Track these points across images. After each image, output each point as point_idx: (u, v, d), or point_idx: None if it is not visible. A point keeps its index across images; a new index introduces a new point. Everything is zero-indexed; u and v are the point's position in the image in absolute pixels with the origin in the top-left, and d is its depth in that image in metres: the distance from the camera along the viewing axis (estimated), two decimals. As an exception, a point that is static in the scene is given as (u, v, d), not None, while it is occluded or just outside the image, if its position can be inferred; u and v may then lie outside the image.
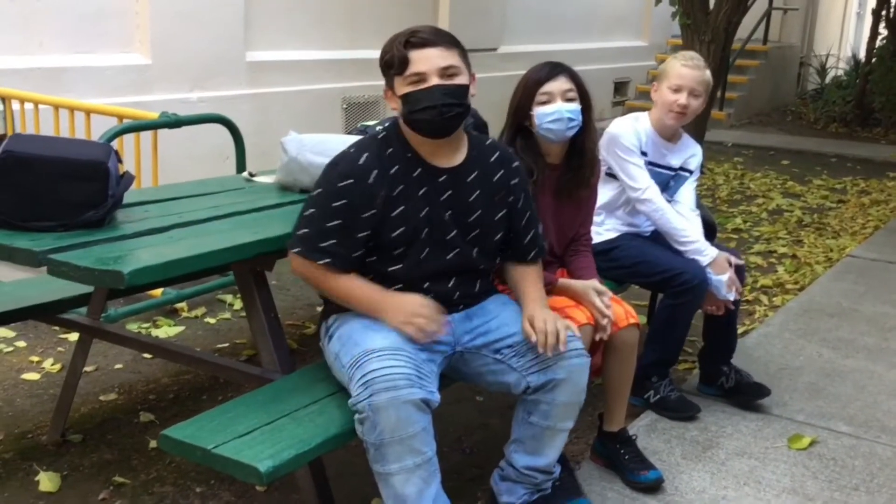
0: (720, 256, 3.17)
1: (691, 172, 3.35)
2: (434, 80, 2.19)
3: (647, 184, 3.19)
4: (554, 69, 2.70)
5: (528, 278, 2.47)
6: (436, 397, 2.12)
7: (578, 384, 2.35)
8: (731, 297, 3.17)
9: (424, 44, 2.20)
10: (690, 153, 3.35)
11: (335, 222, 2.21)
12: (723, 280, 3.13)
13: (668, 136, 3.27)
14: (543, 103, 2.66)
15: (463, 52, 2.27)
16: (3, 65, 4.62)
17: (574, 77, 2.71)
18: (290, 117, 6.00)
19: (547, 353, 2.27)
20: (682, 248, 3.19)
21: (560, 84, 2.67)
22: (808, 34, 14.39)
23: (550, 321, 2.29)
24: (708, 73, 3.19)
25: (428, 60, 2.19)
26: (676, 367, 3.66)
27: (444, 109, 2.19)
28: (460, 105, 2.23)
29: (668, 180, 3.30)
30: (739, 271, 3.24)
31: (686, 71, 3.14)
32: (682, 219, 3.23)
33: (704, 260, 3.15)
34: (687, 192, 3.34)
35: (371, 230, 2.24)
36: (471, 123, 2.44)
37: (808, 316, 4.43)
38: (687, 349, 3.84)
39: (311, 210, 2.24)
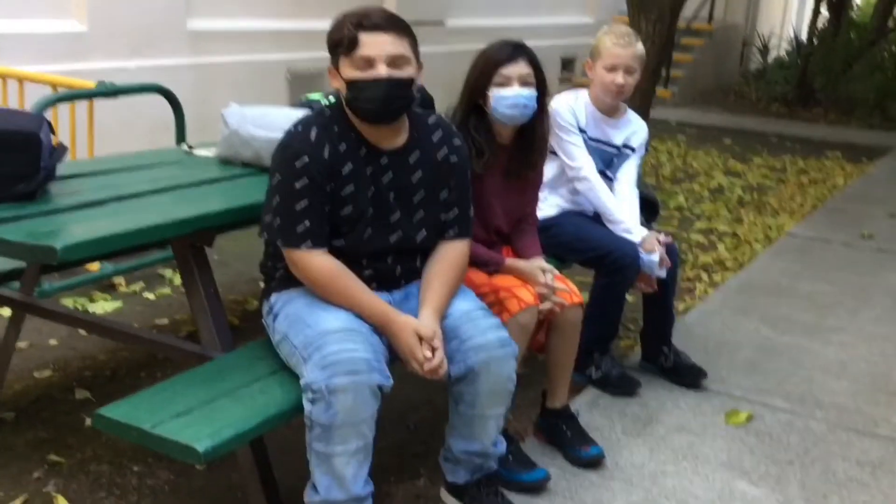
0: (649, 235, 3.21)
1: (634, 150, 3.36)
2: (381, 68, 2.15)
3: (583, 162, 3.20)
4: (515, 51, 2.66)
5: (439, 263, 2.37)
6: (390, 382, 2.12)
7: (501, 374, 2.31)
8: (662, 274, 3.20)
9: (376, 28, 2.16)
10: (633, 129, 3.36)
11: (303, 203, 2.17)
12: (654, 259, 3.16)
13: (609, 112, 3.28)
14: (501, 85, 2.63)
15: (414, 42, 2.23)
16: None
17: (533, 61, 2.68)
18: (232, 88, 5.88)
19: (427, 375, 2.22)
20: (612, 227, 3.23)
21: (519, 68, 2.64)
22: (752, 14, 14.59)
23: (424, 348, 2.19)
24: (640, 46, 3.20)
25: (378, 46, 2.15)
26: (619, 343, 3.70)
27: (388, 102, 2.17)
28: (405, 98, 2.20)
29: (611, 157, 3.32)
30: (670, 250, 3.27)
31: (619, 50, 3.14)
32: (613, 198, 3.25)
33: (634, 238, 3.18)
34: (627, 169, 3.35)
35: (329, 204, 2.21)
36: (417, 99, 2.40)
37: (747, 293, 4.51)
38: (629, 326, 3.88)
39: (276, 197, 2.20)
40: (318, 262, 2.21)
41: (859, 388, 3.47)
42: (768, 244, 5.49)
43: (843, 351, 3.84)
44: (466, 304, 2.37)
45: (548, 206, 3.30)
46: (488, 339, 2.28)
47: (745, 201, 6.63)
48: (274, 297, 2.34)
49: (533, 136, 2.74)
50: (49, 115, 3.46)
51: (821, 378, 3.55)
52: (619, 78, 3.14)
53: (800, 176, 7.67)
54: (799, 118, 11.05)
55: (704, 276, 4.83)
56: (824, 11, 11.94)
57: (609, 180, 3.31)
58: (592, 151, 3.25)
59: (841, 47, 11.55)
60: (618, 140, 3.32)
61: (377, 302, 2.23)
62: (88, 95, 3.79)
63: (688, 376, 3.38)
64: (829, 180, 7.55)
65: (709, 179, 7.27)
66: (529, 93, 2.64)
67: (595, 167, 3.23)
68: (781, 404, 3.29)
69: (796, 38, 13.91)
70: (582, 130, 3.23)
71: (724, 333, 3.95)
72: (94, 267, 3.96)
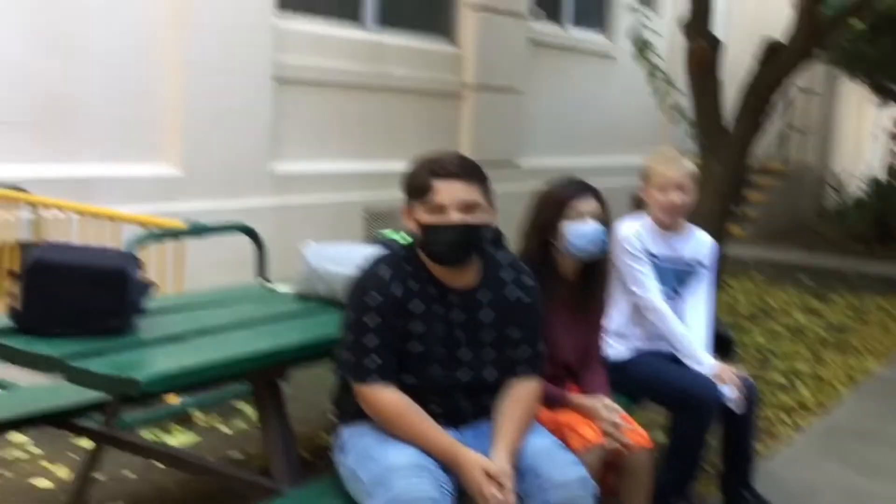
0: (721, 366, 3.15)
1: (706, 266, 3.35)
2: (454, 214, 2.23)
3: (652, 291, 3.20)
4: (584, 188, 2.78)
5: (510, 401, 2.37)
6: None
7: None
8: (735, 408, 3.11)
9: (449, 175, 2.25)
10: (699, 241, 3.37)
11: (374, 340, 2.23)
12: (725, 391, 3.09)
13: (671, 229, 3.30)
14: (574, 219, 2.71)
15: (486, 187, 2.32)
16: (36, 173, 4.76)
17: (600, 198, 2.78)
18: (311, 226, 6.09)
19: None
20: (681, 356, 3.19)
21: (591, 204, 2.74)
22: (826, 154, 14.59)
23: (492, 486, 2.15)
24: (689, 164, 3.25)
25: (450, 194, 2.24)
26: (699, 487, 3.57)
27: (459, 247, 2.25)
28: (476, 243, 2.28)
29: (684, 275, 3.31)
30: (748, 388, 3.18)
31: (668, 172, 3.20)
32: (683, 327, 3.23)
33: (703, 370, 3.13)
34: (698, 293, 3.33)
35: (400, 341, 2.26)
36: (486, 236, 2.48)
37: (832, 437, 4.33)
38: (707, 468, 3.75)
39: (349, 333, 2.27)
40: (387, 397, 2.23)
41: (957, 541, 3.26)
42: (852, 385, 5.30)
43: (937, 500, 3.63)
44: (543, 441, 2.36)
45: (624, 348, 3.29)
46: (569, 477, 2.26)
47: (827, 341, 6.45)
48: (344, 431, 2.36)
49: (601, 271, 2.80)
50: (140, 253, 3.65)
51: (914, 529, 3.36)
52: (674, 197, 3.18)
53: (882, 315, 7.45)
54: (878, 256, 10.84)
55: (786, 417, 4.67)
56: (897, 149, 11.89)
57: (682, 299, 3.30)
58: (666, 272, 3.25)
59: (917, 186, 11.43)
60: (687, 253, 3.32)
61: (445, 438, 2.23)
62: (178, 234, 3.98)
63: (770, 523, 3.24)
64: (914, 320, 7.31)
65: (787, 318, 7.12)
66: (603, 228, 2.71)
67: (664, 293, 3.22)
68: (872, 556, 3.11)
69: (873, 177, 13.81)
70: (652, 255, 3.24)
71: (809, 479, 3.78)
72: (173, 399, 4.05)
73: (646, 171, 3.28)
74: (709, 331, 3.33)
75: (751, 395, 3.18)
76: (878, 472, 3.90)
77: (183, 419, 4.12)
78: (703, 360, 3.16)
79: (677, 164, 3.21)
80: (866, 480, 3.80)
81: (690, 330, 3.25)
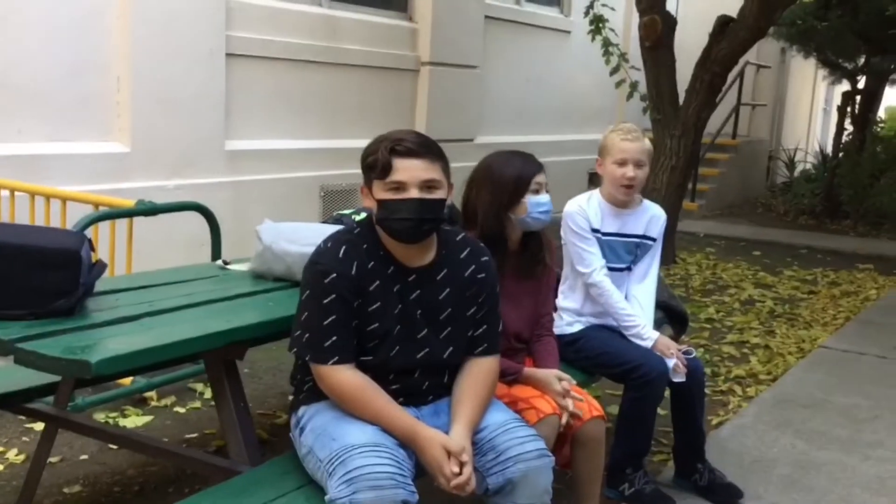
0: (662, 338, 3.21)
1: (654, 240, 3.39)
2: (413, 192, 2.23)
3: (594, 267, 3.24)
4: (537, 162, 2.86)
5: (469, 379, 2.39)
6: (415, 498, 2.10)
7: (538, 486, 2.30)
8: (679, 379, 3.17)
9: (409, 154, 2.24)
10: (650, 215, 3.39)
11: (330, 318, 2.22)
12: (668, 364, 3.14)
13: (623, 205, 3.33)
14: (536, 192, 2.79)
15: (445, 164, 2.32)
16: (-18, 152, 4.65)
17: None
18: (267, 205, 6.04)
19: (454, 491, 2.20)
20: (625, 332, 3.24)
21: (543, 176, 2.84)
22: (777, 129, 14.82)
23: (452, 464, 2.18)
24: (647, 142, 3.29)
25: (410, 171, 2.23)
26: (652, 458, 3.64)
27: (419, 222, 2.24)
28: (435, 219, 2.27)
29: (633, 248, 3.35)
30: (694, 364, 3.23)
31: (627, 145, 3.22)
32: (625, 302, 3.27)
33: (646, 344, 3.18)
34: (642, 268, 3.38)
35: (356, 319, 2.25)
36: (445, 216, 2.48)
37: (781, 407, 4.43)
38: (662, 440, 3.82)
39: (306, 314, 2.25)
40: (345, 376, 2.23)
41: (901, 506, 3.37)
42: (802, 357, 5.42)
43: (881, 466, 3.74)
44: (501, 416, 2.38)
45: (577, 323, 3.32)
46: (526, 449, 2.28)
47: (777, 313, 6.58)
48: (302, 409, 2.35)
49: (538, 234, 2.88)
50: (90, 232, 3.59)
51: (860, 494, 3.45)
52: (630, 171, 3.21)
53: (831, 288, 7.62)
54: (827, 230, 11.06)
55: (738, 389, 4.76)
56: (848, 126, 12.10)
57: (630, 273, 3.35)
58: (609, 248, 3.28)
59: (867, 161, 11.64)
60: (638, 229, 3.35)
61: (404, 416, 2.24)
62: (128, 214, 3.91)
63: (722, 495, 3.30)
64: (862, 292, 7.48)
65: (739, 291, 7.24)
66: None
67: (606, 270, 3.25)
68: (821, 523, 3.20)
69: (822, 151, 14.06)
70: (596, 230, 3.27)
71: (760, 449, 3.86)
72: (127, 381, 4.00)
73: (604, 144, 3.29)
74: (653, 303, 3.38)
75: (696, 369, 3.23)
76: (828, 441, 4.00)
77: (138, 401, 4.08)
78: (644, 335, 3.21)
79: (636, 139, 3.23)
80: (816, 449, 3.89)
81: (636, 305, 3.30)
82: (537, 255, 2.88)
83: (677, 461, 3.44)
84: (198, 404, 4.12)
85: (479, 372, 2.40)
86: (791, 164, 14.04)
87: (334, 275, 2.22)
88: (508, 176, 2.79)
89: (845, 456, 3.83)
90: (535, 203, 2.77)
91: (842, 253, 9.45)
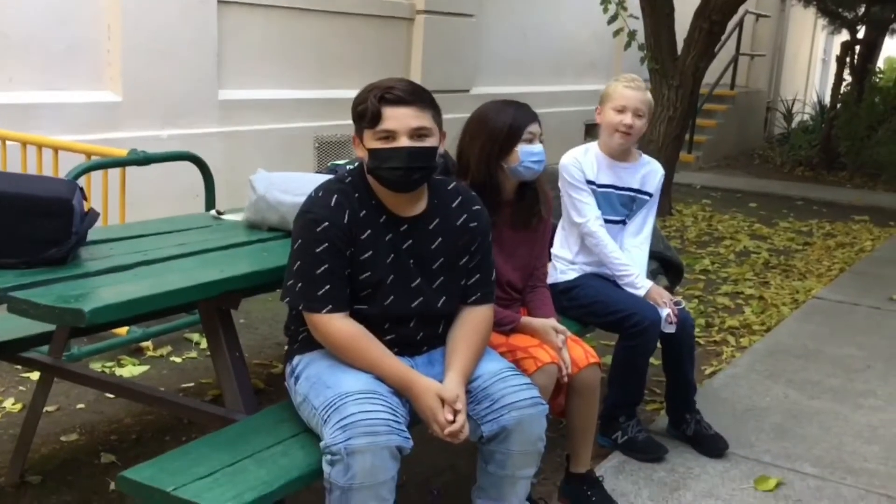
0: (655, 288, 3.22)
1: (650, 195, 3.38)
2: (404, 140, 2.21)
3: (589, 217, 3.23)
4: (531, 111, 2.81)
5: (463, 328, 2.40)
6: (410, 444, 2.12)
7: (532, 433, 2.32)
8: (670, 329, 3.18)
9: (399, 101, 2.21)
10: (647, 170, 3.38)
11: (323, 267, 2.21)
12: (660, 313, 3.15)
13: (620, 156, 3.31)
14: (528, 141, 2.75)
15: (436, 112, 2.29)
16: (-29, 100, 4.60)
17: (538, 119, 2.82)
18: (261, 156, 6.00)
19: (448, 439, 2.21)
20: (619, 281, 3.25)
21: (537, 126, 2.79)
22: (775, 79, 14.70)
23: (446, 411, 2.19)
24: (648, 94, 3.26)
25: (400, 119, 2.20)
26: (645, 407, 3.67)
27: (410, 171, 2.22)
28: (426, 167, 2.25)
29: (628, 202, 3.34)
30: (682, 316, 3.23)
31: (629, 92, 3.20)
32: (619, 252, 3.27)
33: (639, 292, 3.20)
34: (637, 221, 3.37)
35: (349, 268, 2.24)
36: (441, 164, 2.45)
37: (774, 357, 4.46)
38: (656, 389, 3.85)
39: (298, 263, 2.24)
40: (339, 325, 2.23)
41: (890, 453, 3.40)
42: (795, 307, 5.44)
43: (873, 415, 3.77)
44: (496, 365, 2.39)
45: (570, 271, 3.32)
46: (520, 397, 2.29)
47: (772, 265, 6.60)
48: (296, 359, 2.36)
49: (533, 185, 2.84)
50: (83, 182, 3.56)
51: (851, 443, 3.49)
52: (628, 118, 3.18)
53: (827, 239, 7.63)
54: (824, 182, 11.04)
55: (731, 339, 4.79)
56: (847, 76, 12.01)
57: (626, 225, 3.35)
58: (605, 199, 3.27)
59: (864, 112, 11.57)
60: (633, 183, 3.34)
61: (398, 365, 2.25)
62: (121, 164, 3.89)
63: (708, 446, 3.31)
64: (857, 244, 7.50)
65: (735, 243, 7.25)
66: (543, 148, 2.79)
67: (601, 221, 3.25)
68: (811, 470, 3.24)
69: (820, 102, 13.97)
70: (591, 182, 3.26)
71: (752, 398, 3.90)
72: (123, 331, 4.01)
73: (605, 92, 3.26)
74: (647, 256, 3.38)
75: (685, 321, 3.24)
76: (821, 390, 4.04)
77: (134, 351, 4.09)
78: (638, 284, 3.22)
79: (638, 88, 3.21)
80: (808, 399, 3.93)
81: (630, 255, 3.30)
82: (533, 207, 2.86)
83: (669, 410, 3.47)
84: (194, 354, 4.14)
85: (472, 321, 2.41)
86: (789, 116, 13.95)
87: (326, 223, 2.21)
88: (501, 124, 2.76)
89: (837, 405, 3.87)
90: (528, 152, 2.73)
91: (838, 204, 9.44)
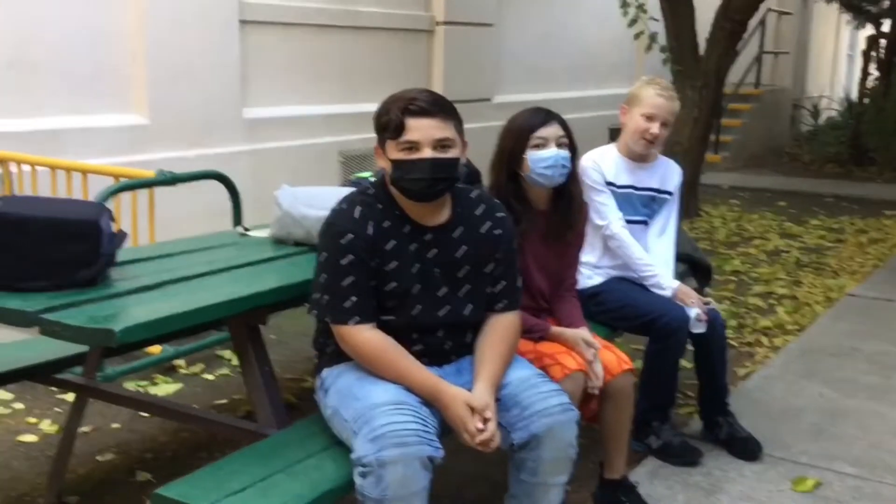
0: (681, 288, 3.19)
1: (670, 194, 3.35)
2: (427, 151, 2.21)
3: (611, 219, 3.21)
4: (548, 116, 2.73)
5: (491, 336, 2.39)
6: (441, 454, 2.12)
7: (563, 440, 2.30)
8: (699, 329, 3.15)
9: (422, 113, 2.21)
10: (666, 170, 3.36)
11: (349, 279, 2.22)
12: (689, 313, 3.12)
13: (639, 157, 3.29)
14: (537, 147, 2.68)
15: (459, 123, 2.29)
16: (2, 128, 4.67)
17: (564, 124, 2.75)
18: (287, 172, 6.03)
19: (479, 448, 2.21)
20: (645, 283, 3.23)
21: (554, 130, 2.70)
22: (800, 77, 14.56)
23: (476, 420, 2.19)
24: (678, 102, 3.24)
25: (423, 130, 2.21)
26: (678, 411, 3.64)
27: (433, 182, 2.23)
28: (449, 178, 2.25)
29: (648, 201, 3.32)
30: (712, 317, 3.21)
31: (661, 101, 3.17)
32: (644, 252, 3.25)
33: (666, 293, 3.17)
34: (660, 220, 3.36)
35: (375, 279, 2.25)
36: (464, 172, 2.45)
37: (808, 357, 4.40)
38: (688, 393, 3.81)
39: (324, 275, 2.25)
40: (367, 336, 2.24)
41: (932, 451, 3.35)
42: (829, 306, 5.37)
43: (912, 413, 3.72)
44: (524, 372, 2.38)
45: (596, 276, 3.31)
46: (550, 403, 2.28)
47: (804, 263, 6.52)
48: (325, 372, 2.37)
49: (570, 196, 2.78)
50: (112, 204, 3.60)
51: (890, 441, 3.43)
52: (656, 128, 3.17)
53: (859, 236, 7.52)
54: (854, 178, 10.90)
55: (765, 340, 4.74)
56: (874, 70, 11.86)
57: (648, 226, 3.33)
58: (625, 200, 3.25)
59: (892, 106, 11.43)
60: (652, 183, 3.32)
61: (427, 375, 2.25)
62: (149, 184, 3.93)
63: (740, 448, 3.28)
64: (890, 239, 7.39)
65: (765, 242, 7.17)
66: (566, 153, 2.69)
67: (623, 222, 3.23)
68: (850, 470, 3.19)
69: (847, 98, 13.81)
70: (610, 183, 3.24)
71: (788, 398, 3.85)
72: (156, 350, 4.05)
73: (635, 94, 3.23)
74: (672, 256, 3.35)
75: (715, 321, 3.21)
76: (856, 389, 3.98)
77: (167, 369, 4.13)
78: (664, 285, 3.20)
79: (670, 98, 3.19)
80: (844, 398, 3.87)
81: (654, 256, 3.28)
82: (567, 219, 2.79)
83: (702, 413, 3.44)
84: (226, 371, 4.17)
85: (500, 328, 2.40)
86: (816, 112, 13.81)
87: (351, 235, 2.22)
88: (511, 131, 2.75)
89: (875, 403, 3.81)
90: (536, 159, 2.67)
91: (869, 200, 9.32)
